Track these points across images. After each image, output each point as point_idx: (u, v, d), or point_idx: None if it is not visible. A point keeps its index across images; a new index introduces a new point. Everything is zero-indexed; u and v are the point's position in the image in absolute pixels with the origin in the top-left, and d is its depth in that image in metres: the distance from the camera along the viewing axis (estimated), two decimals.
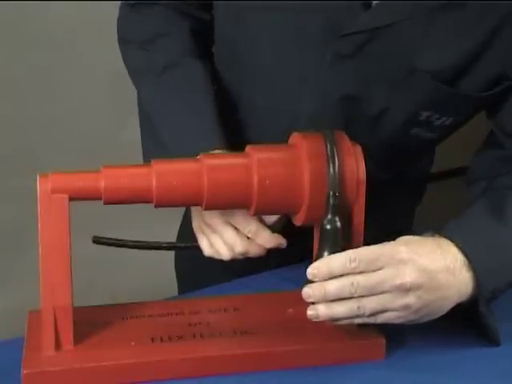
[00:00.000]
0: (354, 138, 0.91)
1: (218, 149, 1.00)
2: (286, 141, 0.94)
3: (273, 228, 0.98)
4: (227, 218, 0.97)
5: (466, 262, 0.89)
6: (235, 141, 1.07)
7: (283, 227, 0.98)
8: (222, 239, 0.97)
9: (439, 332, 0.96)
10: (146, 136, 1.13)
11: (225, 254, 0.98)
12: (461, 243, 0.89)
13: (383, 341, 0.92)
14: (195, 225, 1.02)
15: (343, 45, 0.98)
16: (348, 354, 0.91)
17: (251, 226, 0.96)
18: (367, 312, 0.85)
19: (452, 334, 0.96)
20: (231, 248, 0.97)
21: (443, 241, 0.90)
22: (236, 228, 0.97)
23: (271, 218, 0.98)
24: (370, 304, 0.85)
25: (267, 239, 0.97)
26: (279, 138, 0.95)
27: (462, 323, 0.95)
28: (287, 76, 1.03)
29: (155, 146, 1.08)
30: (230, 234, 0.97)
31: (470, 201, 1.01)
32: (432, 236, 0.90)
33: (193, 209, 1.04)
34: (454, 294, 0.88)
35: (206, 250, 1.00)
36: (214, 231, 0.98)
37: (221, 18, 1.10)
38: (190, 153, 0.93)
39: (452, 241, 0.90)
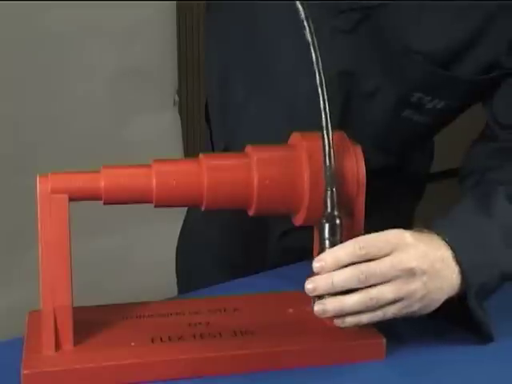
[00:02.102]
0: (351, 116, 0.92)
1: None
2: (286, 126, 0.94)
3: None
4: None
5: (454, 255, 0.89)
6: (234, 126, 1.07)
7: None
8: None
9: (439, 332, 0.96)
10: None
11: None
12: (447, 237, 0.90)
13: (383, 341, 0.91)
14: None
15: (341, 21, 0.99)
16: (348, 353, 0.91)
17: None
18: (380, 302, 0.84)
19: (452, 335, 0.96)
20: None
21: (433, 234, 0.90)
22: None
23: None
24: (381, 294, 0.84)
25: None
26: (280, 117, 0.94)
27: (458, 324, 0.95)
28: (285, 52, 1.04)
29: None
30: None
31: (462, 194, 1.02)
32: (421, 230, 0.91)
33: None
34: (447, 285, 0.89)
35: None
36: None
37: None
38: None
39: (439, 235, 0.90)
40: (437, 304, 0.89)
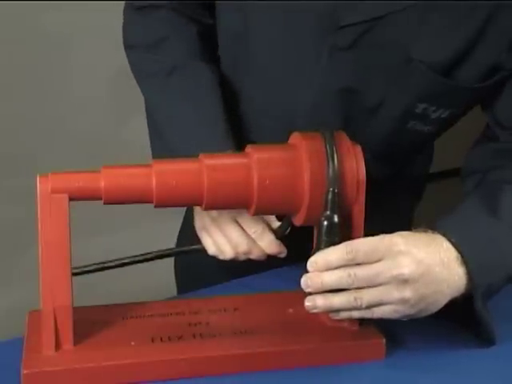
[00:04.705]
0: (352, 131, 0.92)
1: (228, 151, 1.00)
2: (286, 140, 0.94)
3: (277, 233, 0.98)
4: (235, 215, 0.97)
5: (459, 256, 0.89)
6: (236, 139, 1.07)
7: (287, 233, 0.98)
8: (227, 238, 0.98)
9: (439, 332, 0.96)
10: (156, 143, 1.12)
11: (228, 252, 0.98)
12: (453, 238, 0.89)
13: (383, 341, 0.92)
14: (199, 225, 1.02)
15: (340, 37, 0.98)
16: (348, 353, 0.91)
17: (257, 228, 0.97)
18: (364, 303, 0.86)
19: (452, 334, 0.96)
20: (235, 247, 0.97)
21: (436, 235, 0.90)
22: (241, 227, 0.97)
23: (276, 223, 0.98)
24: (367, 295, 0.86)
25: (270, 244, 0.97)
26: (279, 133, 0.95)
27: (461, 323, 0.95)
28: (286, 71, 1.04)
29: (167, 154, 1.07)
30: (235, 232, 0.97)
31: (464, 194, 1.02)
32: (425, 231, 0.91)
33: (196, 209, 1.04)
34: (449, 288, 0.88)
35: (210, 248, 1.00)
36: (220, 229, 0.98)
37: (222, 18, 1.11)
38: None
39: (444, 235, 0.90)
40: (438, 306, 0.89)
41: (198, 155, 0.90)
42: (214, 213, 0.98)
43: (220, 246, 0.98)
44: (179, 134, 1.06)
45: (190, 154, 0.93)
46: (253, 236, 0.97)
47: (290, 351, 0.90)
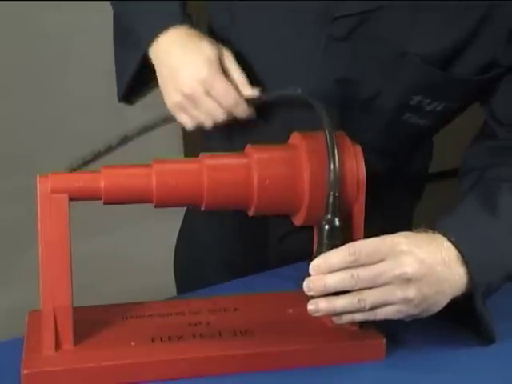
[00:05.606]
0: (348, 123, 0.92)
1: (184, 25, 1.04)
2: (286, 140, 0.94)
3: (249, 101, 1.02)
4: (207, 88, 1.00)
5: (459, 256, 0.89)
6: (231, 134, 1.08)
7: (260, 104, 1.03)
8: (202, 110, 1.01)
9: (439, 332, 0.96)
10: (117, 39, 1.17)
11: (207, 122, 1.02)
12: (453, 237, 0.89)
13: (383, 341, 0.91)
14: (171, 103, 1.04)
15: (336, 28, 0.98)
16: (348, 354, 0.91)
17: (230, 98, 1.00)
18: (368, 305, 0.85)
19: (452, 334, 0.96)
20: (213, 117, 1.01)
21: (436, 235, 0.90)
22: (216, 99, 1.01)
23: (248, 91, 1.02)
24: (371, 296, 0.85)
25: (244, 111, 1.02)
26: (276, 127, 0.95)
27: (460, 322, 0.95)
28: (282, 63, 1.04)
29: (124, 38, 1.12)
30: (210, 104, 1.01)
31: (463, 192, 1.02)
32: (425, 231, 0.91)
33: (164, 88, 1.05)
34: (450, 288, 0.88)
35: (188, 123, 1.04)
36: (195, 103, 1.01)
37: (216, 10, 1.11)
38: (157, 31, 1.02)
39: (444, 235, 0.90)
40: (440, 306, 0.89)
41: (154, 30, 0.98)
42: (187, 87, 1.01)
43: (197, 117, 1.02)
44: (134, 15, 1.09)
45: (146, 35, 1.00)
46: (228, 108, 1.01)
47: (290, 351, 0.90)
